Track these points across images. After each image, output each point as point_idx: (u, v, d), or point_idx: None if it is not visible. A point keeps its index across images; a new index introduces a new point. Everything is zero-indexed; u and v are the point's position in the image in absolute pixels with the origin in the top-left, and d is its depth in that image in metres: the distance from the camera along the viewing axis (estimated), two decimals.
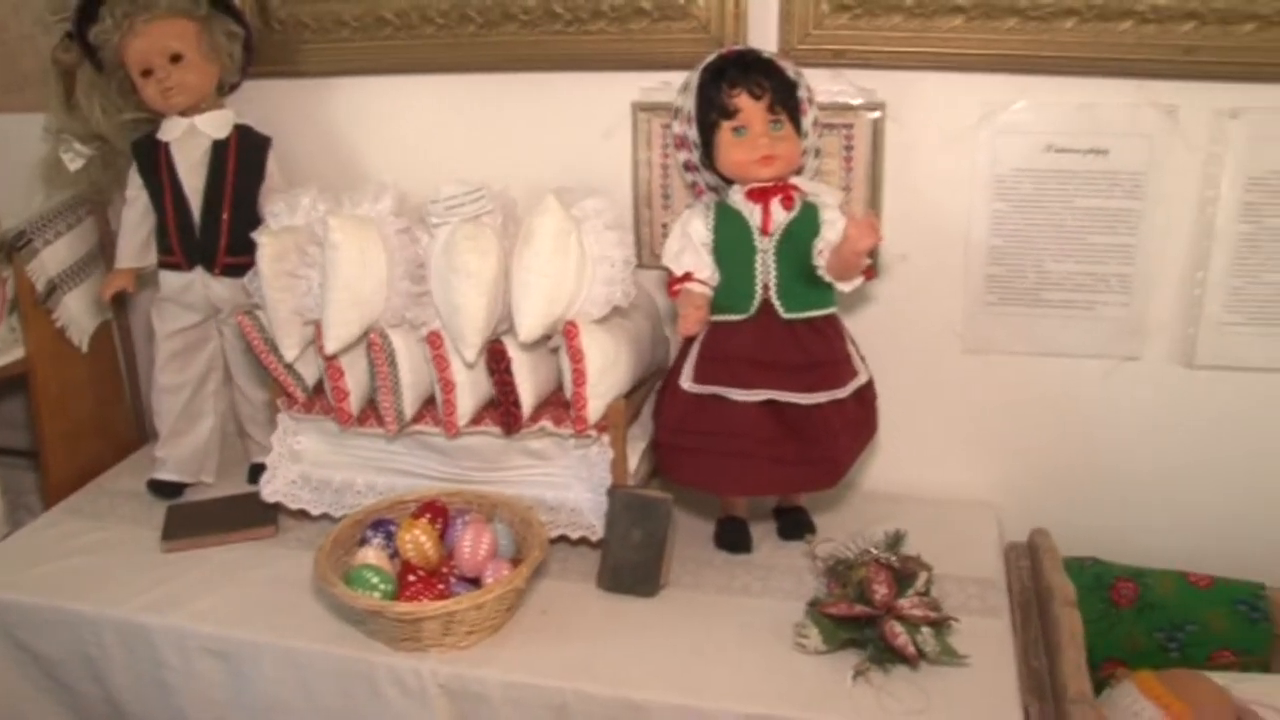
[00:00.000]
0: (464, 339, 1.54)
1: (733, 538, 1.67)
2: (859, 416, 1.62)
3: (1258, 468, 1.76)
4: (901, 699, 1.36)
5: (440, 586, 1.46)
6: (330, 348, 1.57)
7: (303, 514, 1.76)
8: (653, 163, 1.79)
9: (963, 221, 1.72)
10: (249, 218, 1.76)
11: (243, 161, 1.78)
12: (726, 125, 1.53)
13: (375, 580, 1.45)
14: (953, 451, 1.84)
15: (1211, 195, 1.66)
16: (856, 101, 1.70)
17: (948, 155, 1.71)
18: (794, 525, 1.69)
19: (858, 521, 1.68)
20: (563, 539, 1.65)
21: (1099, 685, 1.54)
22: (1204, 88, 1.62)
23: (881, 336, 1.73)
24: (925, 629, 1.42)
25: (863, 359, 1.65)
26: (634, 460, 1.64)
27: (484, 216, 1.58)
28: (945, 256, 1.74)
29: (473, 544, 1.50)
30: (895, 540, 1.59)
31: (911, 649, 1.40)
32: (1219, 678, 1.58)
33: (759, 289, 1.54)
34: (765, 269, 1.54)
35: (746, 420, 1.54)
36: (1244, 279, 1.68)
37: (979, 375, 1.79)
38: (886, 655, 1.41)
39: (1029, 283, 1.73)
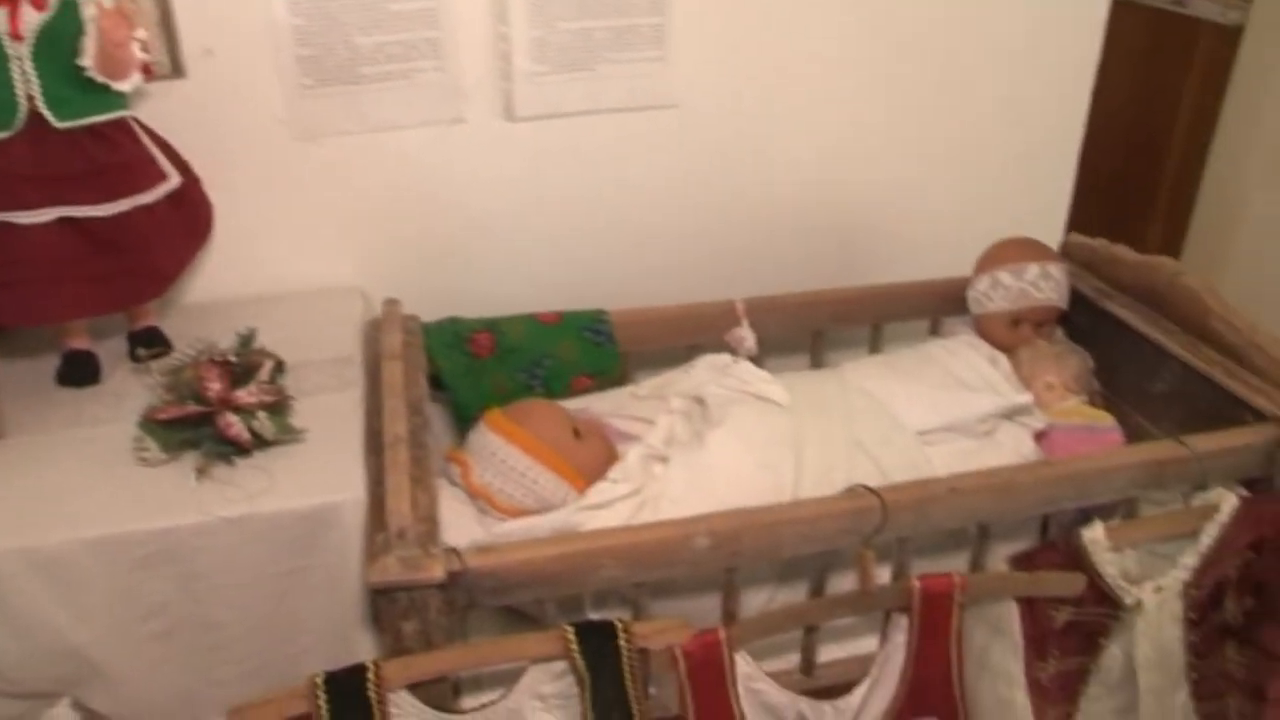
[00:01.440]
0: None
1: (75, 372, 1.63)
2: (178, 220, 1.61)
3: (585, 204, 1.93)
4: (245, 485, 1.40)
5: None
6: None
7: None
8: None
9: (260, 6, 1.71)
10: None
11: None
12: None
13: None
14: (309, 241, 1.88)
15: None
16: None
17: None
18: (143, 345, 1.67)
19: (219, 329, 1.67)
20: None
21: None
22: None
23: (204, 136, 1.71)
24: (261, 414, 1.46)
25: (177, 161, 1.63)
26: None
27: None
28: (252, 45, 1.73)
29: None
30: (246, 339, 1.62)
31: (246, 436, 1.44)
32: (581, 400, 1.76)
33: (22, 100, 1.47)
34: (25, 78, 1.47)
35: (40, 244, 1.48)
36: (543, 29, 1.81)
37: (316, 161, 1.82)
38: (225, 448, 1.44)
39: (341, 60, 1.77)
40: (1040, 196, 2.25)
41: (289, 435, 1.46)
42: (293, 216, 1.85)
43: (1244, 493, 1.58)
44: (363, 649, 1.46)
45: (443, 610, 1.26)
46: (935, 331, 2.05)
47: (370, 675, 1.24)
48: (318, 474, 1.42)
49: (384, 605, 1.25)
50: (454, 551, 1.25)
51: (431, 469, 1.39)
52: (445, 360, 1.74)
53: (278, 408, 1.48)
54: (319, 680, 1.24)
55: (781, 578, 1.54)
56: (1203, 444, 1.54)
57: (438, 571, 1.21)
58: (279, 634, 1.47)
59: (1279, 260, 3.39)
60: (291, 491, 1.39)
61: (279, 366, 1.58)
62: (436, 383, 1.80)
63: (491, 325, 1.79)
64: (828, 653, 1.58)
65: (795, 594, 1.55)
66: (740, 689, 1.39)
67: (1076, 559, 1.48)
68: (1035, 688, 1.53)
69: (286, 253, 1.87)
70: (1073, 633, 1.54)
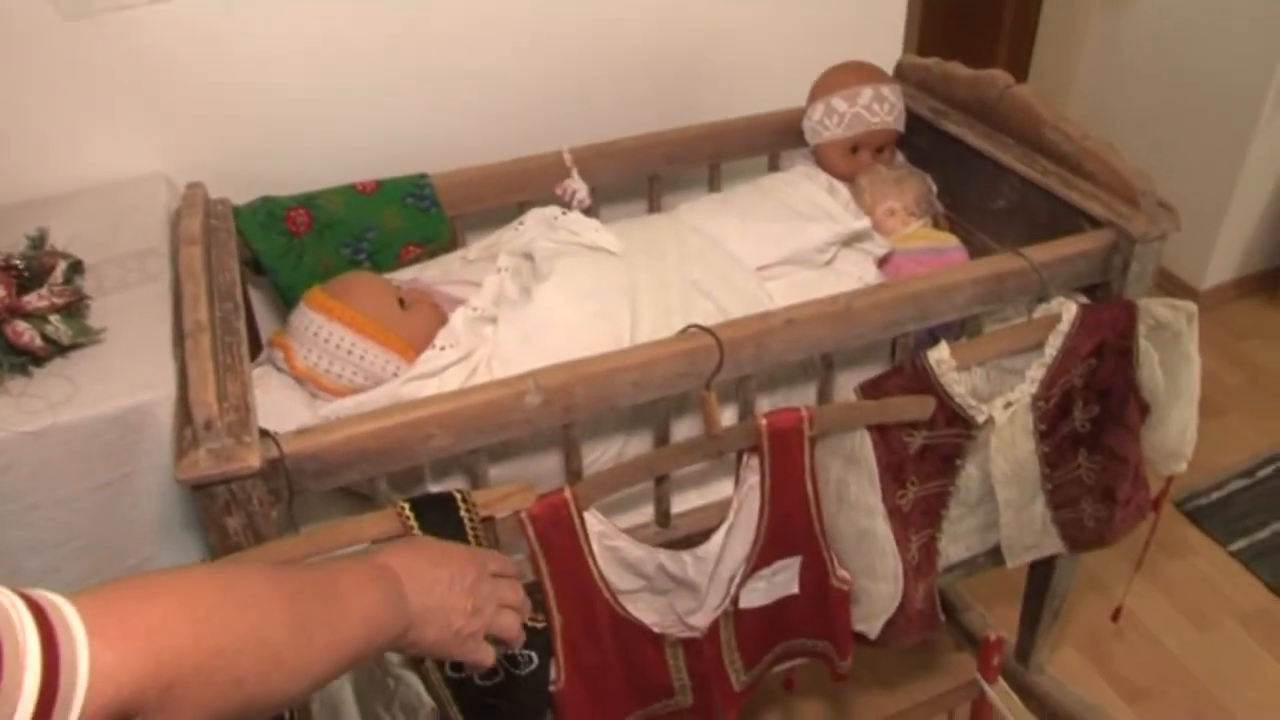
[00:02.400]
0: None
1: None
2: None
3: (394, 63, 1.82)
4: (46, 396, 1.30)
5: None
6: None
7: None
8: None
9: None
10: None
11: None
12: None
13: None
14: (101, 130, 1.73)
15: None
16: None
17: None
18: None
19: (10, 235, 1.55)
20: None
21: None
22: None
23: None
24: (55, 318, 1.36)
25: None
26: None
27: None
28: None
29: None
30: (36, 240, 1.50)
31: (40, 343, 1.34)
32: (411, 270, 1.68)
33: None
34: None
35: None
36: None
37: (94, 40, 1.67)
38: (19, 358, 1.34)
39: None
40: (874, 21, 2.19)
41: (87, 337, 1.36)
42: (79, 105, 1.71)
43: (1084, 300, 1.58)
44: (203, 553, 1.39)
45: (267, 501, 1.19)
46: (775, 167, 2.00)
47: None
48: (125, 375, 1.33)
49: (204, 502, 1.18)
50: (269, 437, 1.18)
51: (244, 356, 1.30)
52: (261, 242, 1.64)
53: (73, 309, 1.38)
54: None
55: (631, 429, 1.50)
56: (1040, 254, 1.53)
57: (253, 460, 1.14)
58: (115, 548, 1.39)
59: (1121, 80, 3.41)
60: (98, 396, 1.30)
61: (75, 266, 1.47)
62: (257, 267, 1.70)
63: (307, 201, 1.69)
64: (685, 501, 1.56)
65: (647, 445, 1.51)
66: (595, 548, 1.36)
67: (925, 381, 1.47)
68: (896, 515, 1.53)
69: (77, 145, 1.73)
70: (929, 457, 1.53)
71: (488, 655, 1.04)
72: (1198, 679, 2.25)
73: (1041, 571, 1.97)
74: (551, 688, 1.43)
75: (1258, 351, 3.22)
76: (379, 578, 0.91)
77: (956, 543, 1.69)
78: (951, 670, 2.25)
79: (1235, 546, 2.56)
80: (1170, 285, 3.36)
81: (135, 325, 1.41)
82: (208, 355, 1.24)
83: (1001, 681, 1.69)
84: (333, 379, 1.48)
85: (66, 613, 0.63)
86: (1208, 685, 2.24)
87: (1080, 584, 2.12)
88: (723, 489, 1.55)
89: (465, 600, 0.99)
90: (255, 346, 1.67)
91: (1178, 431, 1.68)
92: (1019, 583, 2.06)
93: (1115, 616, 2.08)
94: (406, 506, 1.25)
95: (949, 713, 1.73)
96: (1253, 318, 3.38)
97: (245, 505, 1.19)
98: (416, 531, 1.24)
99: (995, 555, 1.74)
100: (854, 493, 1.50)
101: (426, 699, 1.39)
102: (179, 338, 1.38)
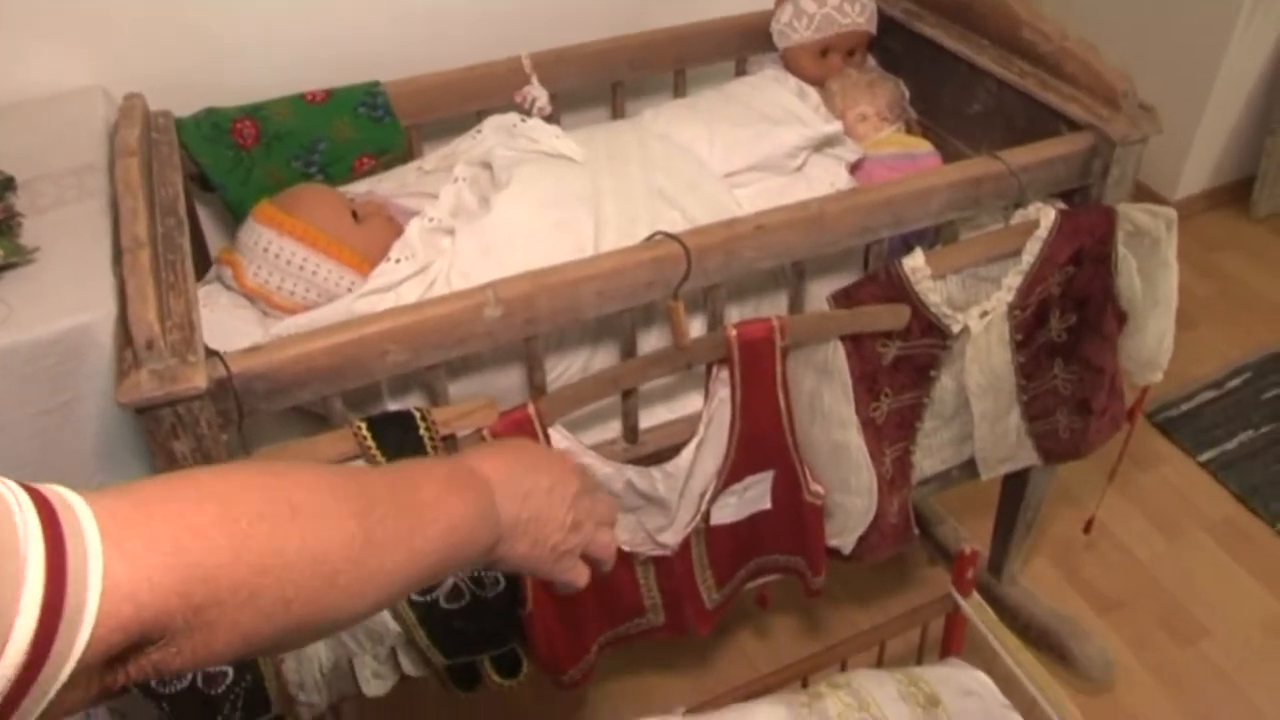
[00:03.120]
0: None
1: None
2: None
3: None
4: None
5: None
6: None
7: None
8: None
9: None
10: None
11: None
12: None
13: None
14: (29, 41, 1.63)
15: None
16: None
17: None
18: None
19: None
20: None
21: None
22: None
23: None
24: None
25: None
26: None
27: None
28: None
29: None
30: None
31: None
32: (365, 182, 1.61)
33: None
34: None
35: None
36: None
37: None
38: None
39: None
40: None
41: (20, 257, 1.29)
42: (8, 14, 1.60)
43: (1062, 206, 1.54)
44: None
45: (216, 423, 1.13)
46: (742, 71, 1.93)
47: None
48: (62, 295, 1.26)
49: (149, 426, 1.12)
50: (216, 356, 1.12)
51: (188, 273, 1.24)
52: (206, 155, 1.57)
53: (4, 228, 1.31)
54: None
55: (596, 342, 1.44)
56: (1018, 158, 1.48)
57: (199, 381, 1.08)
58: (59, 477, 1.29)
59: None
60: (34, 319, 1.23)
61: (6, 183, 1.40)
62: (205, 183, 1.63)
63: (254, 111, 1.61)
64: (654, 416, 1.51)
65: (613, 358, 1.46)
66: None
67: (899, 290, 1.43)
68: (870, 428, 1.49)
69: (7, 57, 1.62)
70: (903, 368, 1.50)
71: (582, 575, 0.91)
72: (1167, 589, 2.25)
73: (1015, 484, 1.95)
74: (520, 610, 1.39)
75: (1228, 262, 3.20)
76: (469, 484, 0.80)
77: (931, 455, 1.66)
78: (925, 584, 2.23)
79: (1204, 457, 2.55)
80: (1141, 196, 3.30)
81: (72, 244, 1.34)
82: (148, 272, 1.17)
83: (976, 595, 1.67)
84: (284, 296, 1.42)
85: (80, 515, 0.53)
86: (1177, 595, 2.24)
87: (1052, 496, 2.10)
88: (692, 403, 1.51)
89: (565, 513, 0.88)
90: (205, 265, 1.61)
91: (1155, 340, 1.65)
92: (992, 496, 2.04)
93: (1087, 528, 2.07)
94: (364, 426, 1.20)
95: (923, 627, 1.71)
96: (1224, 229, 3.35)
97: (193, 428, 1.13)
98: (375, 452, 1.19)
99: (970, 468, 1.72)
100: (827, 405, 1.46)
101: (392, 624, 1.36)
102: (119, 256, 1.31)
